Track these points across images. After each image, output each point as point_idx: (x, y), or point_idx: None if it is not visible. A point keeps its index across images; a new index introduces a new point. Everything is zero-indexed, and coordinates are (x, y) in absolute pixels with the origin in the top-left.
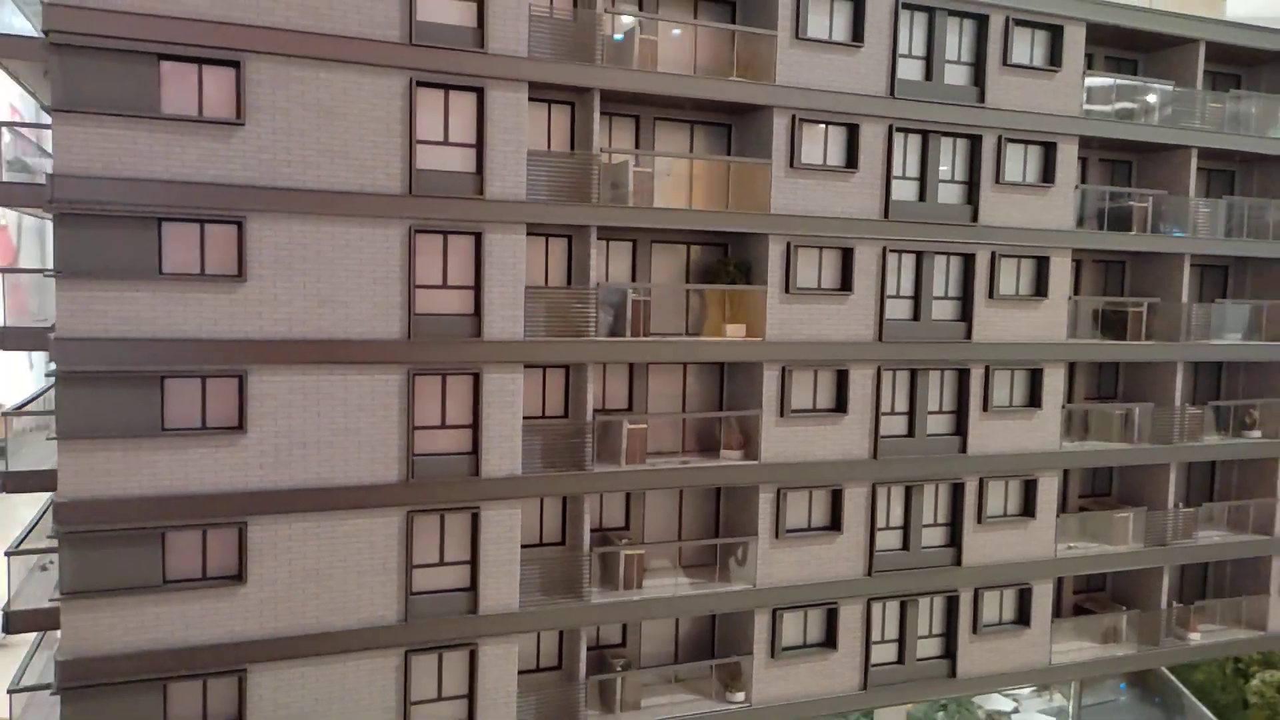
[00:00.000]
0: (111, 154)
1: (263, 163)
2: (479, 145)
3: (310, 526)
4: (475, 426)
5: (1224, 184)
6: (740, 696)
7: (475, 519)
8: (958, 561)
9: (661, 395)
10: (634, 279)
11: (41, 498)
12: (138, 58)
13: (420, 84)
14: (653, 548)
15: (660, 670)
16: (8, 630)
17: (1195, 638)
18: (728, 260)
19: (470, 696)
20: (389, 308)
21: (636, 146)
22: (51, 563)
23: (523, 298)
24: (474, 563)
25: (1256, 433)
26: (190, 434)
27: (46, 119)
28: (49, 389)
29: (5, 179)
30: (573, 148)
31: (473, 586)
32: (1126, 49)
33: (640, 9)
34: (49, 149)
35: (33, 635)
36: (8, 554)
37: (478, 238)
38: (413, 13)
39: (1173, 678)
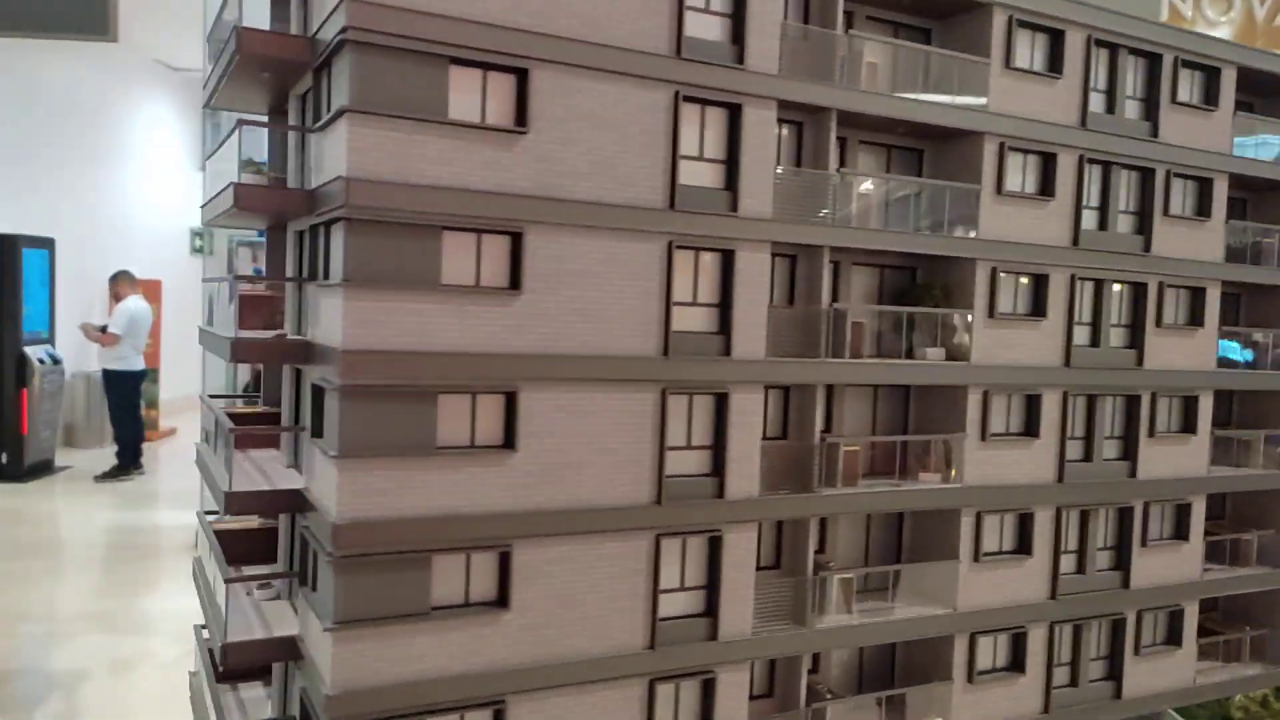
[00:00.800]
0: (401, 158)
1: (539, 172)
2: (730, 162)
3: (568, 550)
4: (719, 447)
5: None
6: None
7: (717, 542)
8: (1125, 584)
9: (852, 417)
10: (835, 299)
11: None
12: (431, 60)
13: (684, 99)
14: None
15: (856, 699)
16: (224, 664)
17: None
18: (933, 284)
19: None
20: (647, 324)
21: (841, 167)
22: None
23: (765, 317)
24: (713, 587)
25: None
26: (461, 452)
27: None
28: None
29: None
30: (798, 167)
31: (711, 612)
32: (1242, 91)
33: (848, 29)
34: None
35: None
36: (228, 581)
37: (727, 255)
38: (681, 26)
39: None
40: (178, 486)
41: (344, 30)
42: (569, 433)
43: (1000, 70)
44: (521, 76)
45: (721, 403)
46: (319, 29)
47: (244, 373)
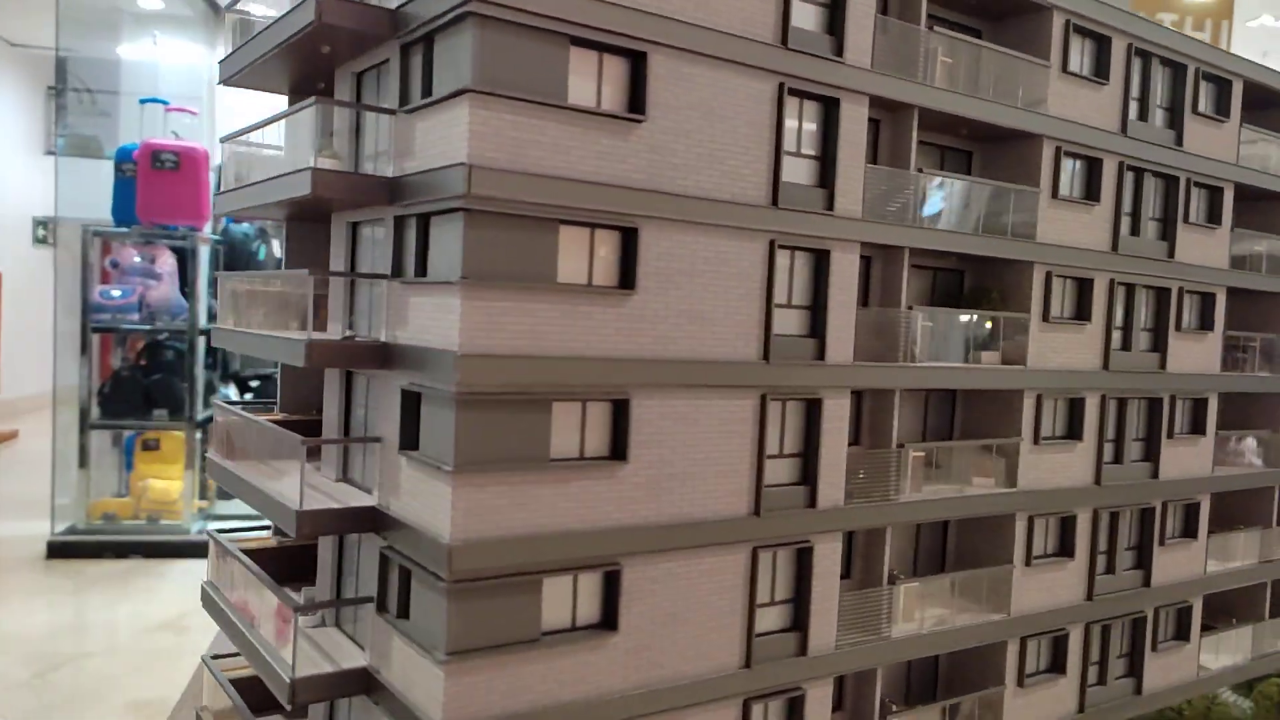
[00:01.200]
0: (521, 145)
1: (652, 164)
2: (823, 159)
3: (672, 566)
4: (810, 455)
5: None
6: None
7: (807, 554)
8: (1147, 583)
9: (905, 422)
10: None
11: None
12: (553, 39)
13: (789, 91)
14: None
15: (921, 710)
16: (293, 701)
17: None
18: (989, 287)
19: None
20: (748, 327)
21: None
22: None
23: (854, 320)
24: (802, 600)
25: None
26: (572, 465)
27: None
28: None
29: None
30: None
31: (800, 626)
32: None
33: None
34: None
35: None
36: (297, 610)
37: (821, 255)
38: (788, 14)
39: None
40: (20, 493)
41: (466, 2)
42: (675, 442)
43: (1058, 74)
44: (638, 60)
45: (814, 409)
46: (408, 1)
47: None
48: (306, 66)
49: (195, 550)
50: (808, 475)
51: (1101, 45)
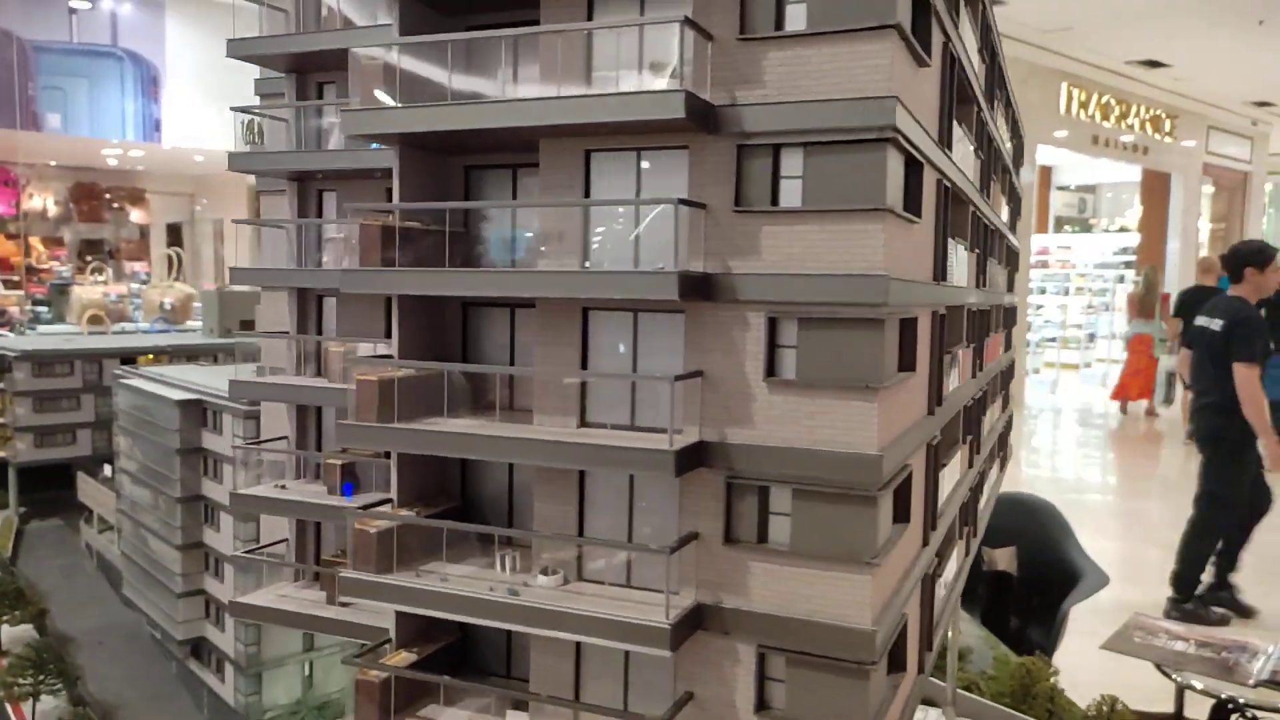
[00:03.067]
0: (896, 81)
1: None
2: None
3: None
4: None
5: None
6: None
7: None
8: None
9: None
10: None
11: None
12: None
13: None
14: None
15: None
16: (674, 646)
17: None
18: None
19: None
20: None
21: None
22: None
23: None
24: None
25: None
26: (901, 376)
27: None
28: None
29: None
30: None
31: None
32: None
33: None
34: None
35: None
36: (671, 551)
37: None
38: None
39: None
40: None
41: None
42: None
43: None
44: None
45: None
46: None
47: None
48: None
49: None
50: None
51: None
